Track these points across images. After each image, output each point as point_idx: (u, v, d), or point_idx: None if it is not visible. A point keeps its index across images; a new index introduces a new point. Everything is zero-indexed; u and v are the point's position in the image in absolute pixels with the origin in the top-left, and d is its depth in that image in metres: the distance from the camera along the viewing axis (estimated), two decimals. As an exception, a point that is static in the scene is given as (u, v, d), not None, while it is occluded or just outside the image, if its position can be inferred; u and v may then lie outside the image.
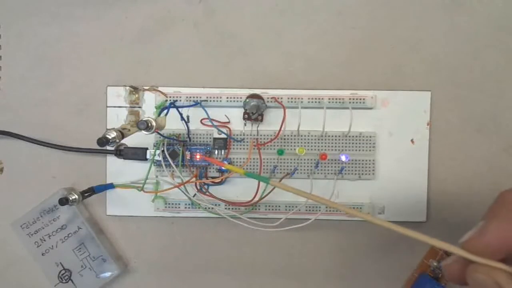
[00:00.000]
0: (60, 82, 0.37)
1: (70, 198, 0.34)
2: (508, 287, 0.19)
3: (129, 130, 0.29)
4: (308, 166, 0.36)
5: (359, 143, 0.36)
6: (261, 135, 0.36)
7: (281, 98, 0.35)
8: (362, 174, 0.36)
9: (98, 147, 0.27)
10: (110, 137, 0.28)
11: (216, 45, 0.37)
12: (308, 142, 0.36)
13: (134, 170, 0.36)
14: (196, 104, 0.35)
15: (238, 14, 0.37)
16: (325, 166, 0.36)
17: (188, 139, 0.36)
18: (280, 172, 0.36)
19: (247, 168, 0.36)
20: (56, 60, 0.37)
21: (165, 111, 0.33)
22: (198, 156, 0.35)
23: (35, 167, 0.37)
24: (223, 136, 0.36)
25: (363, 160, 0.36)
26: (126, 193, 0.37)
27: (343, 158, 0.35)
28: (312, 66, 0.36)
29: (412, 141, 0.36)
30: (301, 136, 0.36)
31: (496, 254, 0.20)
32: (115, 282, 0.37)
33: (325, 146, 0.36)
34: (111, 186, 0.36)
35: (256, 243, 0.37)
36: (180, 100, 0.36)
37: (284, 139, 0.36)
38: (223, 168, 0.35)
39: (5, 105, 0.38)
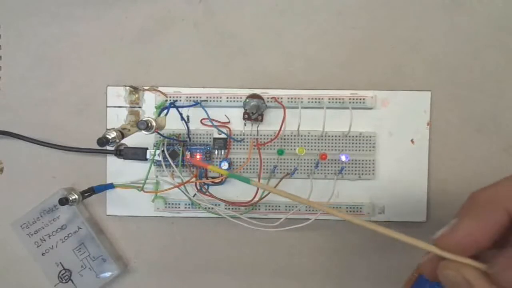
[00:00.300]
0: (60, 82, 0.37)
1: (70, 198, 0.34)
2: (476, 283, 0.19)
3: (129, 130, 0.29)
4: (308, 166, 0.36)
5: (359, 143, 0.36)
6: (261, 135, 0.36)
7: (281, 98, 0.35)
8: (362, 174, 0.36)
9: (98, 147, 0.27)
10: (110, 137, 0.28)
11: (216, 45, 0.37)
12: (308, 142, 0.36)
13: (134, 170, 0.36)
14: (196, 104, 0.35)
15: (238, 14, 0.37)
16: (325, 166, 0.36)
17: (188, 139, 0.36)
18: (280, 172, 0.36)
19: (247, 168, 0.36)
20: (56, 60, 0.37)
21: (165, 111, 0.33)
22: (198, 156, 0.35)
23: (35, 167, 0.37)
24: (223, 136, 0.36)
25: (363, 160, 0.36)
26: (126, 193, 0.37)
27: (343, 158, 0.35)
28: (312, 66, 0.36)
29: (412, 141, 0.36)
30: (301, 136, 0.36)
31: (466, 251, 0.20)
32: (115, 282, 0.37)
33: (325, 146, 0.36)
34: (111, 186, 0.36)
35: (256, 243, 0.37)
36: (180, 100, 0.36)
37: (284, 139, 0.36)
38: (222, 168, 0.35)
39: (5, 105, 0.38)
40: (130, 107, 0.37)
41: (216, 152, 0.36)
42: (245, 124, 0.36)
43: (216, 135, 0.36)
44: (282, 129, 0.34)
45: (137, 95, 0.37)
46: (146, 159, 0.35)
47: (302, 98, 0.35)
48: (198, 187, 0.35)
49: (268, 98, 0.35)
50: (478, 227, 0.20)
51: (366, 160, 0.36)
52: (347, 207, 0.36)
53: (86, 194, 0.35)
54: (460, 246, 0.20)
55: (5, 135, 0.37)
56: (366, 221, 0.22)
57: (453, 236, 0.20)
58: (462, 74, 0.36)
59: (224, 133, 0.36)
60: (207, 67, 0.37)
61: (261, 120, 0.36)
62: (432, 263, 0.21)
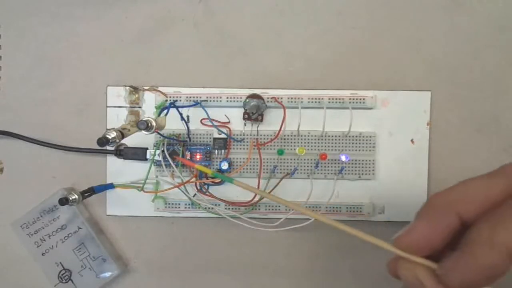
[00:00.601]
0: (60, 82, 0.37)
1: (70, 198, 0.34)
2: (427, 283, 0.21)
3: (129, 130, 0.29)
4: (308, 166, 0.36)
5: (359, 143, 0.36)
6: (261, 135, 0.36)
7: (281, 98, 0.35)
8: (362, 174, 0.36)
9: (98, 147, 0.27)
10: (110, 137, 0.28)
11: (216, 45, 0.37)
12: (308, 142, 0.36)
13: (134, 170, 0.36)
14: (196, 104, 0.35)
15: (238, 14, 0.37)
16: (325, 166, 0.36)
17: (188, 139, 0.36)
18: (280, 172, 0.36)
19: (247, 168, 0.36)
20: (56, 60, 0.37)
21: (165, 111, 0.33)
22: (198, 156, 0.35)
23: (35, 167, 0.37)
24: (223, 136, 0.36)
25: (363, 160, 0.36)
26: (126, 193, 0.37)
27: (343, 158, 0.35)
28: (312, 66, 0.36)
29: (412, 141, 0.36)
30: (301, 136, 0.36)
31: (421, 252, 0.22)
32: (115, 282, 0.37)
33: (325, 146, 0.36)
34: (111, 186, 0.36)
35: (256, 243, 0.37)
36: (180, 100, 0.36)
37: (284, 139, 0.36)
38: (222, 168, 0.35)
39: (5, 105, 0.38)
40: (130, 107, 0.37)
41: (216, 152, 0.36)
42: (245, 124, 0.36)
43: (216, 135, 0.36)
44: (282, 129, 0.34)
45: (137, 95, 0.37)
46: (146, 159, 0.35)
47: (302, 98, 0.35)
48: (198, 187, 0.35)
49: (268, 98, 0.35)
50: (431, 229, 0.21)
51: (366, 160, 0.36)
52: (347, 207, 0.36)
53: (86, 194, 0.35)
54: (415, 247, 0.22)
55: (5, 135, 0.37)
56: (337, 222, 0.25)
57: (409, 238, 0.22)
58: (462, 74, 0.36)
59: (224, 133, 0.36)
60: (207, 67, 0.37)
61: (261, 120, 0.36)
62: (395, 262, 0.23)
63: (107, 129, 0.31)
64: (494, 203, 0.21)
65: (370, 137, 0.36)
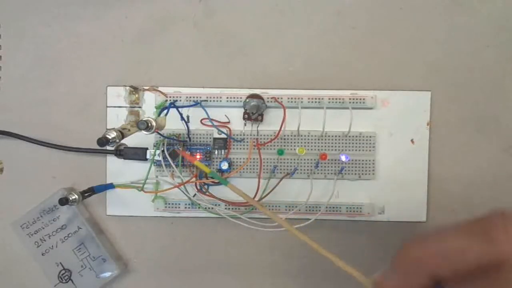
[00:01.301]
0: (60, 82, 0.37)
1: (70, 198, 0.34)
2: None
3: (129, 130, 0.29)
4: (308, 166, 0.36)
5: (359, 143, 0.36)
6: (261, 135, 0.36)
7: (281, 98, 0.35)
8: (362, 174, 0.36)
9: (98, 147, 0.27)
10: (110, 137, 0.28)
11: (216, 45, 0.37)
12: (308, 142, 0.36)
13: (134, 170, 0.36)
14: (196, 104, 0.35)
15: (238, 14, 0.37)
16: (325, 166, 0.36)
17: (188, 139, 0.36)
18: (280, 172, 0.36)
19: (247, 168, 0.36)
20: (56, 60, 0.37)
21: (165, 111, 0.33)
22: (198, 156, 0.35)
23: (35, 167, 0.37)
24: (223, 136, 0.36)
25: (363, 160, 0.36)
26: (126, 193, 0.37)
27: (343, 158, 0.35)
28: (312, 66, 0.36)
29: (412, 141, 0.36)
30: (301, 136, 0.36)
31: None
32: (115, 282, 0.37)
33: (325, 146, 0.36)
34: (111, 186, 0.36)
35: (256, 243, 0.37)
36: (180, 100, 0.36)
37: (284, 139, 0.36)
38: (222, 168, 0.35)
39: (5, 105, 0.38)
40: (130, 107, 0.37)
41: (216, 152, 0.36)
42: (245, 124, 0.36)
43: (216, 135, 0.36)
44: (282, 129, 0.34)
45: (137, 95, 0.37)
46: (146, 159, 0.35)
47: (302, 98, 0.35)
48: (198, 187, 0.35)
49: (268, 98, 0.35)
50: (400, 281, 0.22)
51: (366, 160, 0.36)
52: (347, 207, 0.36)
53: (86, 194, 0.35)
54: None
55: (5, 135, 0.37)
56: (318, 244, 0.26)
57: (382, 286, 0.23)
58: (462, 74, 0.36)
59: (224, 133, 0.36)
60: (207, 67, 0.37)
61: (261, 120, 0.36)
62: None
63: (107, 129, 0.32)
64: (470, 267, 0.20)
65: (370, 137, 0.36)
